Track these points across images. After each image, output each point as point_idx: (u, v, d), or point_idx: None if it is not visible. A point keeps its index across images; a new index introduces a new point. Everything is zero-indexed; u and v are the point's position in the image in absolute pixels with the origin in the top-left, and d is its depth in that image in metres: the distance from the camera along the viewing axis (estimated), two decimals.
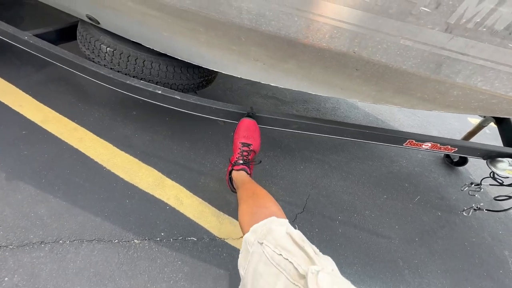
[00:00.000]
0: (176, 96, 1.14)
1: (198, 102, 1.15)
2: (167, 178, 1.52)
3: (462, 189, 1.71)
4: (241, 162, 1.05)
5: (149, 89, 1.14)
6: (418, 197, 1.83)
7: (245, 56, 0.90)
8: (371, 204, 1.71)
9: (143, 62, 1.20)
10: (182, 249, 1.25)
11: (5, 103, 1.65)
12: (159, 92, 1.14)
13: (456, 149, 1.33)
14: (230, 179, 1.09)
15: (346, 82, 0.83)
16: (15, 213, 1.23)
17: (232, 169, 1.05)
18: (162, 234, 1.28)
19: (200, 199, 1.47)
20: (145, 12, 0.89)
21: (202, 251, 1.27)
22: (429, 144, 1.31)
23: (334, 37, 0.67)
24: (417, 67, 0.68)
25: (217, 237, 1.33)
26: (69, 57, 1.18)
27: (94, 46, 1.19)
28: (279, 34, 0.73)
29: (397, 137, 1.27)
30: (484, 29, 0.56)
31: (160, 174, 1.53)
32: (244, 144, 1.05)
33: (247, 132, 1.07)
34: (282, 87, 1.00)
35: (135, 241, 1.24)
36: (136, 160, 1.56)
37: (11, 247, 1.12)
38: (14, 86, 1.74)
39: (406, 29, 0.60)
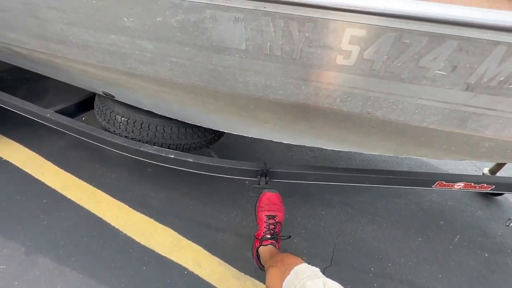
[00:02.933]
0: (189, 159, 1.14)
1: (211, 163, 1.14)
2: (184, 238, 1.46)
3: (507, 224, 1.54)
4: (269, 236, 1.00)
5: (162, 154, 1.15)
6: (458, 236, 1.65)
7: (255, 120, 0.90)
8: (406, 249, 1.55)
9: (155, 127, 1.23)
10: None
11: (28, 172, 1.71)
12: (172, 156, 1.15)
13: (493, 186, 1.21)
14: (258, 255, 1.03)
15: (363, 138, 0.79)
16: None
17: (260, 245, 1.00)
18: None
19: (220, 260, 1.39)
20: (156, 89, 0.93)
21: None
22: (462, 184, 1.20)
23: (345, 101, 0.65)
24: (439, 124, 0.63)
25: None
26: (88, 130, 1.23)
27: (110, 117, 1.24)
28: (288, 101, 0.72)
29: (425, 180, 1.18)
30: (510, 86, 0.52)
31: (176, 234, 1.48)
32: (269, 217, 1.02)
33: (270, 206, 1.04)
34: (296, 144, 0.98)
35: None
36: (152, 220, 1.53)
37: None
38: (37, 155, 1.83)
39: (422, 90, 0.57)
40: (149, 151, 1.15)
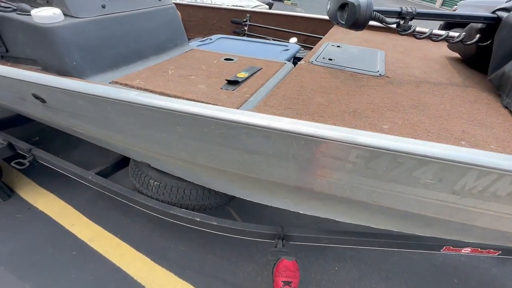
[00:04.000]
0: (212, 222, 1.26)
1: (233, 227, 1.26)
2: None
3: None
4: None
5: (189, 217, 1.28)
6: None
7: (275, 195, 1.03)
8: None
9: (183, 190, 1.38)
10: None
11: (60, 223, 1.86)
12: (198, 219, 1.28)
13: (500, 252, 1.27)
14: None
15: (371, 217, 0.91)
16: None
17: None
18: None
19: None
20: (191, 167, 1.10)
21: None
22: (469, 249, 1.27)
23: (354, 192, 0.79)
24: (435, 213, 0.75)
25: None
26: (124, 192, 1.39)
27: (144, 180, 1.41)
28: (305, 188, 0.86)
29: (432, 245, 1.25)
30: (488, 195, 0.64)
31: None
32: (285, 283, 1.10)
33: (287, 272, 1.14)
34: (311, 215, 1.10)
35: None
36: (172, 275, 1.61)
37: None
38: (70, 206, 1.99)
39: (417, 191, 0.71)
40: (178, 213, 1.29)
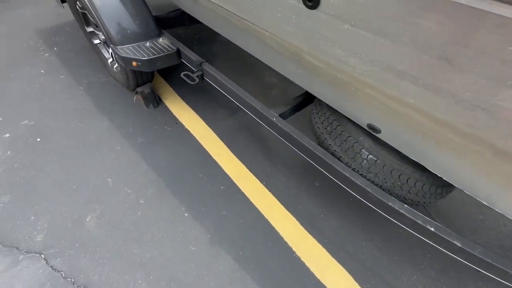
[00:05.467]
0: (456, 242, 0.87)
1: (485, 259, 0.85)
2: None
3: None
4: None
5: (418, 221, 0.91)
6: None
7: None
8: None
9: (406, 179, 0.98)
10: None
11: (207, 150, 1.74)
12: (431, 229, 0.90)
13: None
14: None
15: None
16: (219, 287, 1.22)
17: None
18: None
19: None
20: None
21: None
22: None
23: None
24: None
25: None
26: (321, 154, 1.06)
27: (351, 147, 1.04)
28: None
29: None
30: None
31: (352, 279, 1.31)
32: None
33: None
34: None
35: None
36: (325, 251, 1.39)
37: None
38: (212, 132, 1.84)
39: None
40: (401, 210, 0.92)
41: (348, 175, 1.01)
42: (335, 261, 1.37)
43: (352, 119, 0.98)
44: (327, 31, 0.74)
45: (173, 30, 1.82)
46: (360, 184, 0.99)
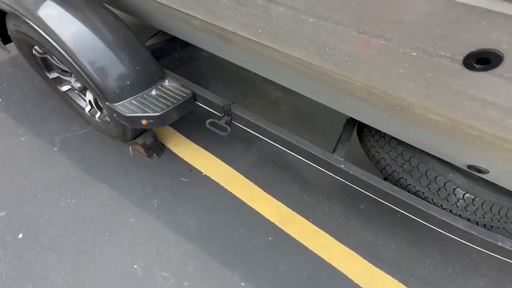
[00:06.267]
0: None
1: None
2: None
3: None
4: None
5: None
6: None
7: None
8: None
9: (506, 213, 0.91)
10: None
11: (237, 195, 1.51)
12: None
13: None
14: None
15: None
16: None
17: None
18: None
19: None
20: None
21: None
22: None
23: None
24: None
25: None
26: (408, 199, 0.94)
27: (443, 188, 0.93)
28: None
29: None
30: None
31: None
32: None
33: None
34: None
35: None
36: (396, 281, 1.31)
37: None
38: (235, 171, 1.60)
39: None
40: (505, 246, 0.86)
41: (447, 220, 0.91)
42: None
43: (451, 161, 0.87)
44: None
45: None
46: (462, 228, 0.90)
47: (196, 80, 2.13)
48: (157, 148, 1.55)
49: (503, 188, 0.87)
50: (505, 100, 0.54)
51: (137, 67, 1.10)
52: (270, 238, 1.39)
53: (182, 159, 1.63)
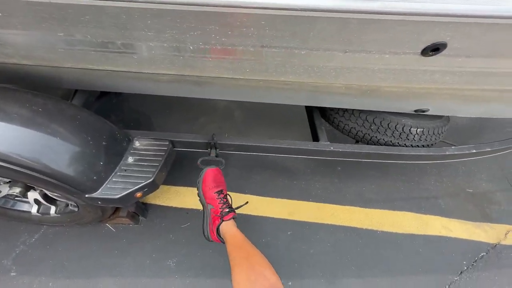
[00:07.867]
0: None
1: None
2: None
3: None
4: (228, 210, 1.02)
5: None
6: None
7: None
8: None
9: (439, 131, 1.27)
10: None
11: (242, 212, 1.53)
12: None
13: None
14: (217, 230, 1.02)
15: None
16: None
17: (222, 221, 1.00)
18: None
19: None
20: None
21: None
22: None
23: None
24: None
25: None
26: (387, 151, 1.19)
27: (403, 132, 1.21)
28: None
29: None
30: None
31: None
32: (219, 192, 1.06)
33: (215, 182, 1.09)
34: None
35: None
36: (387, 211, 1.64)
37: None
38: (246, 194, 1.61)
39: None
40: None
41: (414, 153, 1.21)
42: None
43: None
44: None
45: None
46: (425, 153, 1.21)
47: (137, 122, 1.95)
48: (142, 210, 1.41)
49: (436, 116, 1.21)
50: (446, 67, 0.78)
51: (103, 143, 0.96)
52: (289, 233, 1.51)
53: (171, 207, 1.53)
